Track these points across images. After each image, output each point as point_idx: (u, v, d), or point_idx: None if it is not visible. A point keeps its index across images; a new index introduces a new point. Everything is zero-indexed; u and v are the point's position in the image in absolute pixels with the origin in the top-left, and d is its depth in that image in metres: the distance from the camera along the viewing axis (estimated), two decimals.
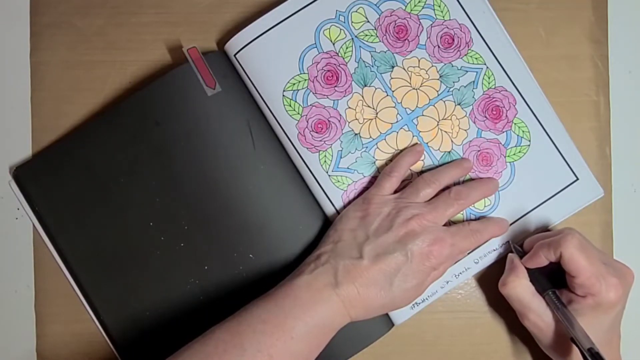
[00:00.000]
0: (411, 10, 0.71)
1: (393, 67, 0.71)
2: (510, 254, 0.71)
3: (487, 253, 0.71)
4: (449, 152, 0.72)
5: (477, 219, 0.71)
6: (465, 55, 0.71)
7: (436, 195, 0.69)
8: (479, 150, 0.71)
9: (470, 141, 0.71)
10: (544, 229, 0.72)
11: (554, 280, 0.68)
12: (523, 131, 0.71)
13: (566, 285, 0.67)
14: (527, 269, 0.68)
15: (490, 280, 0.75)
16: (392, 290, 0.64)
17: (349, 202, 0.71)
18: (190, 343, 0.62)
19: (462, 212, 0.71)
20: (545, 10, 0.75)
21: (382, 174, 0.70)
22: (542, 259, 0.66)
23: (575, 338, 0.62)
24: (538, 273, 0.68)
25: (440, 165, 0.71)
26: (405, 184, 0.70)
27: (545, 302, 0.67)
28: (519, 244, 0.72)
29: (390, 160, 0.71)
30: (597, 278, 0.64)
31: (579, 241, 0.64)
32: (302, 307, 0.62)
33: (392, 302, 0.65)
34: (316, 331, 0.63)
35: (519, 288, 0.67)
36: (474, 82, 0.71)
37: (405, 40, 0.71)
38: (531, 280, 0.68)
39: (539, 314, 0.67)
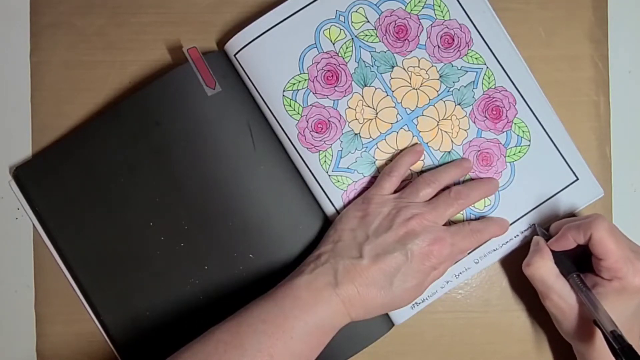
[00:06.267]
0: (411, 10, 0.71)
1: (393, 67, 0.71)
2: (535, 237, 0.71)
3: (488, 253, 0.71)
4: (449, 152, 0.71)
5: (477, 219, 0.71)
6: (465, 55, 0.71)
7: (436, 195, 0.69)
8: (479, 150, 0.71)
9: (470, 141, 0.71)
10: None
11: (577, 266, 0.68)
12: (523, 131, 0.71)
13: (590, 270, 0.67)
14: (552, 251, 0.68)
15: (490, 281, 0.75)
16: (392, 290, 0.64)
17: (349, 202, 0.71)
18: (190, 343, 0.62)
19: (462, 212, 0.71)
20: (545, 10, 0.75)
21: (382, 174, 0.70)
22: (569, 241, 0.66)
23: (598, 321, 0.62)
24: (563, 256, 0.68)
25: (440, 165, 0.71)
26: (405, 184, 0.70)
27: (569, 285, 0.67)
28: (544, 228, 0.72)
29: (390, 160, 0.71)
30: (625, 262, 0.64)
31: (609, 225, 0.65)
32: (302, 307, 0.62)
33: (392, 302, 0.65)
34: (316, 331, 0.63)
35: (544, 269, 0.67)
36: (474, 82, 0.71)
37: (405, 40, 0.71)
38: (556, 263, 0.68)
39: (561, 296, 0.67)
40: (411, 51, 0.71)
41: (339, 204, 0.71)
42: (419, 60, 0.71)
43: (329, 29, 0.71)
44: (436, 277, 0.67)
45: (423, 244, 0.65)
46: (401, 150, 0.71)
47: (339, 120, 0.71)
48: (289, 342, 0.61)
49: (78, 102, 0.75)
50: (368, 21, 0.71)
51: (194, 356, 0.61)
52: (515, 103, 0.71)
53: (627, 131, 0.76)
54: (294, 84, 0.71)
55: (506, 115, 0.71)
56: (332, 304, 0.63)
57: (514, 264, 0.74)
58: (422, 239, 0.65)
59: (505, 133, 0.71)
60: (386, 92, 0.71)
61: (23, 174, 0.73)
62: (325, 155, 0.71)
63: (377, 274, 0.63)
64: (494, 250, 0.71)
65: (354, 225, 0.67)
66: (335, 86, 0.71)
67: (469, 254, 0.71)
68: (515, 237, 0.72)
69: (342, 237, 0.67)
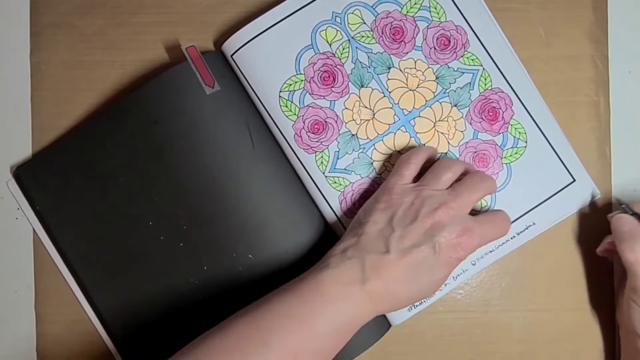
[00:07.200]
0: (407, 11, 0.71)
1: (389, 68, 0.71)
2: (623, 217, 0.68)
3: (485, 254, 0.71)
4: (446, 153, 0.71)
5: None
6: (462, 56, 0.71)
7: (457, 180, 0.67)
8: (475, 152, 0.71)
9: (467, 142, 0.71)
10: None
11: None
12: (519, 132, 0.71)
13: None
14: None
15: (490, 281, 0.75)
16: (419, 283, 0.62)
17: (346, 203, 0.71)
18: (208, 333, 0.62)
19: (485, 199, 0.71)
20: (545, 10, 0.75)
21: (400, 162, 0.68)
22: None
23: None
24: None
25: None
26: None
27: None
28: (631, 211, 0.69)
29: (388, 161, 0.71)
30: None
31: None
32: (329, 303, 0.61)
33: (418, 295, 0.64)
34: (342, 328, 0.61)
35: None
36: (470, 83, 0.71)
37: (401, 41, 0.71)
38: None
39: None
40: (407, 53, 0.71)
41: (335, 205, 0.71)
42: (415, 62, 0.71)
43: (326, 30, 0.71)
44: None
45: (451, 235, 0.62)
46: (399, 152, 0.71)
47: (336, 121, 0.71)
48: (314, 339, 0.60)
49: (78, 102, 0.75)
50: (364, 22, 0.71)
51: (213, 349, 0.60)
52: (512, 104, 0.71)
53: (627, 131, 0.76)
54: (290, 84, 0.71)
55: (502, 117, 0.71)
56: (358, 300, 0.61)
57: (514, 264, 0.74)
58: (450, 231, 0.62)
59: (501, 134, 0.71)
60: (383, 93, 0.71)
61: (23, 174, 0.73)
62: (322, 156, 0.71)
63: (405, 269, 0.62)
64: (491, 251, 0.71)
65: (377, 217, 0.65)
66: (332, 87, 0.71)
67: None
68: (512, 238, 0.71)
69: (365, 229, 0.64)
